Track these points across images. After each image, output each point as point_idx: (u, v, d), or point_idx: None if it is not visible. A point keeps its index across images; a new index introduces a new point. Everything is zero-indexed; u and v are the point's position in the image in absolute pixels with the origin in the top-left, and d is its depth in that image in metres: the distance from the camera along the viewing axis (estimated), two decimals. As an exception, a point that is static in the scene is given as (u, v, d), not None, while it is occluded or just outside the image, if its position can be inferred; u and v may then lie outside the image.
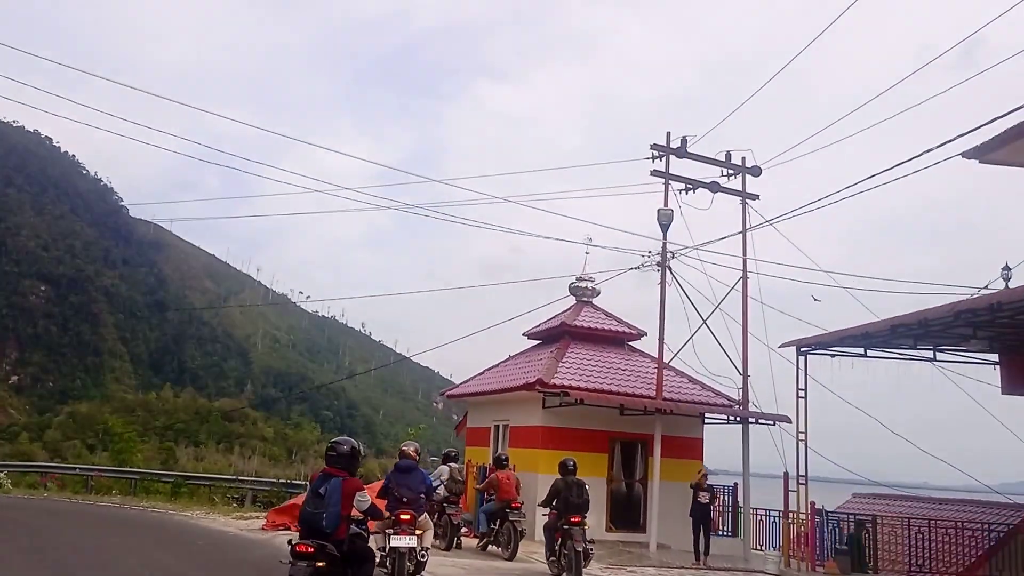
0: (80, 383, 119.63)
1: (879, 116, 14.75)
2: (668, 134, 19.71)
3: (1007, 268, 15.90)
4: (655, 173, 19.60)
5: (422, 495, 10.94)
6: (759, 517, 21.86)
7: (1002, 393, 17.62)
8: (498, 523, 15.75)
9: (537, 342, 23.62)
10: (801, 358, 17.37)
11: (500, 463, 16.04)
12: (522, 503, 16.07)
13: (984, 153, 11.66)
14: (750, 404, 19.94)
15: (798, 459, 17.21)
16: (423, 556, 11.09)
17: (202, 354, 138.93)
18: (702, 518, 16.99)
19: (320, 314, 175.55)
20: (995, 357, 17.62)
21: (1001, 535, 17.99)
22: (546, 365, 20.20)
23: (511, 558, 14.98)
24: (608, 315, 22.77)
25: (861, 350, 17.21)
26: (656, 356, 19.83)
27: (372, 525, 8.80)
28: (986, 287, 15.75)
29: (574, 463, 13.76)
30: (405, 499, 10.90)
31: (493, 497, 15.96)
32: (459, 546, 16.02)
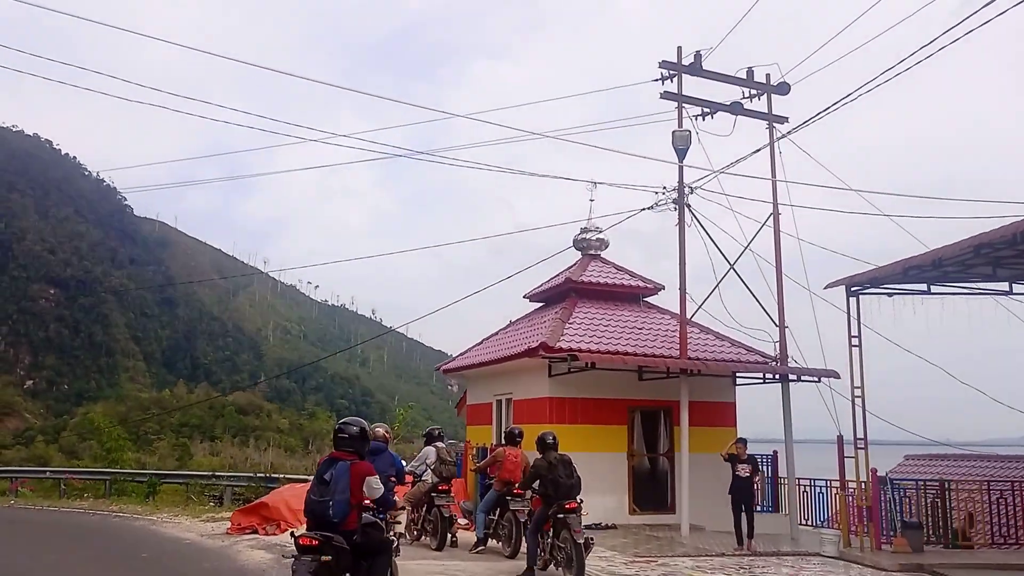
0: (95, 384, 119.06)
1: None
2: (679, 49, 16.83)
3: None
4: (666, 96, 16.72)
5: (392, 478, 9.67)
6: (803, 488, 19.20)
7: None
8: (497, 513, 13.05)
9: (540, 305, 20.88)
10: (852, 300, 14.52)
11: (512, 439, 13.15)
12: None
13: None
14: (790, 360, 17.17)
15: (854, 419, 14.42)
16: (393, 542, 8.86)
17: (214, 349, 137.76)
18: (744, 496, 14.27)
19: (330, 303, 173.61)
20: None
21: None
22: (550, 327, 17.48)
23: (514, 554, 12.24)
24: (620, 269, 19.99)
25: (924, 286, 14.36)
26: (677, 311, 17.06)
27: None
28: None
29: (554, 436, 11.14)
30: None
31: (493, 480, 13.21)
32: (455, 544, 13.35)
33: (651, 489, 17.88)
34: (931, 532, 14.91)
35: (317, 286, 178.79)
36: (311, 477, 8.17)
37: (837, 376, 16.57)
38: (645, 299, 19.81)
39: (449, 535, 13.27)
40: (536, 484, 10.75)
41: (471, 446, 18.29)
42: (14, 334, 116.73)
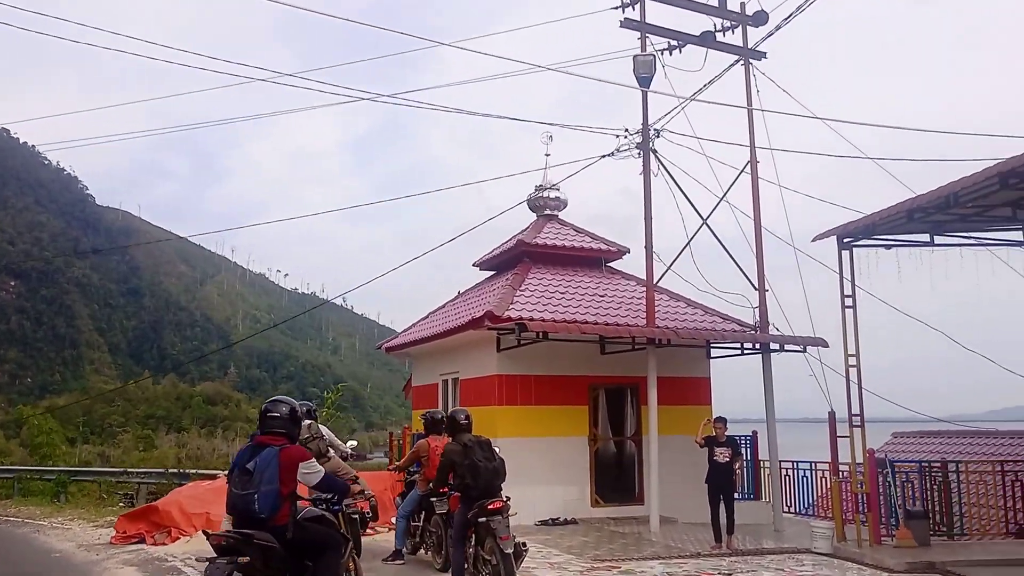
0: (59, 377, 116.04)
1: None
2: (641, -31, 14.58)
3: None
4: (627, 24, 14.48)
5: None
6: (786, 472, 17.20)
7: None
8: (422, 517, 10.78)
9: (492, 273, 18.64)
10: (845, 253, 12.40)
11: (436, 426, 10.76)
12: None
13: None
14: (772, 327, 15.09)
15: (848, 393, 12.33)
16: (348, 539, 7.20)
17: (182, 339, 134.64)
18: (723, 484, 12.16)
19: (300, 291, 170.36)
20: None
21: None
22: (499, 296, 15.26)
23: (446, 567, 9.89)
24: (579, 230, 17.77)
25: (927, 236, 12.26)
26: (645, 276, 14.89)
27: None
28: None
29: (467, 415, 8.92)
30: None
31: (416, 476, 10.95)
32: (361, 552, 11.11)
33: (617, 477, 15.80)
34: (937, 521, 12.90)
35: (287, 274, 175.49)
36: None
37: (825, 345, 14.53)
38: (609, 264, 17.63)
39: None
40: (452, 478, 8.52)
41: (409, 432, 16.08)
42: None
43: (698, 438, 12.28)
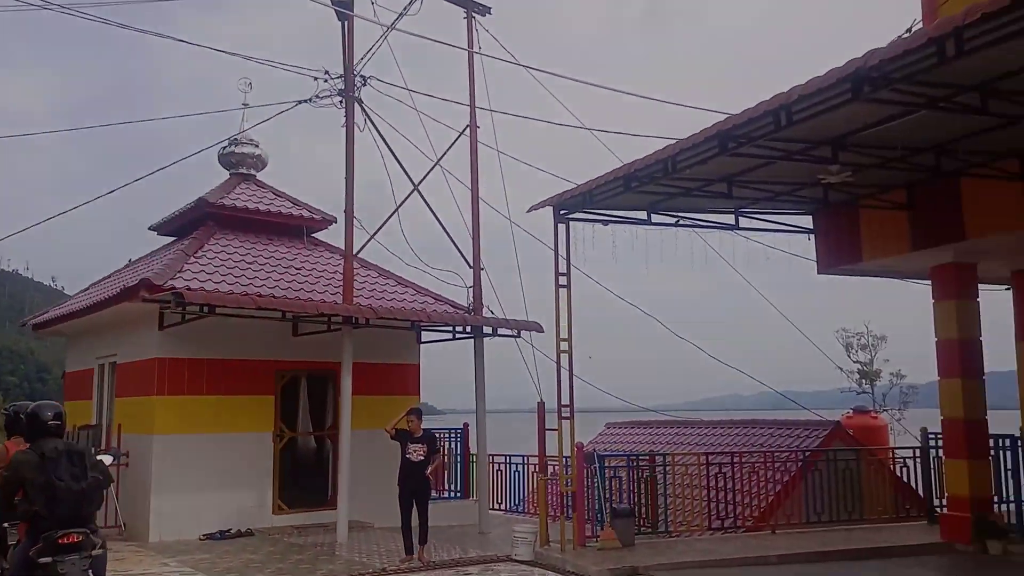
0: None
1: None
2: None
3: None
4: (331, -51, 12.37)
5: None
6: (498, 467, 16.11)
7: (818, 272, 12.81)
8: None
9: (172, 239, 15.72)
10: (561, 227, 11.22)
11: (18, 422, 7.88)
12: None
13: None
14: (486, 309, 13.76)
15: (559, 381, 11.15)
16: None
17: None
18: (416, 486, 10.46)
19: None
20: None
21: (802, 461, 13.38)
22: (166, 263, 12.55)
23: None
24: (280, 193, 15.40)
25: (644, 214, 11.40)
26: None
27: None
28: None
29: (57, 412, 6.26)
30: None
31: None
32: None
33: (310, 479, 13.69)
34: (644, 518, 12.17)
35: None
36: None
37: (540, 329, 13.43)
38: (313, 234, 15.41)
39: None
40: (19, 500, 5.99)
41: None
42: None
43: (389, 427, 10.52)
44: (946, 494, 11.97)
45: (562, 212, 11.19)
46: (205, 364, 12.41)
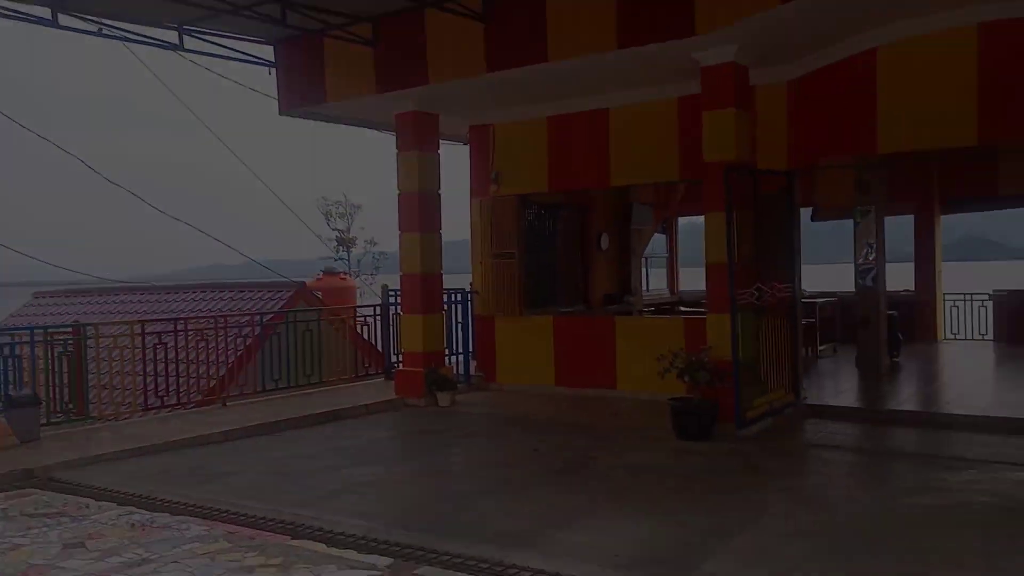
0: None
1: None
2: None
3: None
4: None
5: None
6: None
7: (280, 112, 11.36)
8: None
9: None
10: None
11: None
12: None
13: None
14: None
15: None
16: None
17: None
18: None
19: None
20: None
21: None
22: None
23: None
24: None
25: (45, 10, 8.47)
26: None
27: None
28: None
29: None
30: None
31: None
32: None
33: None
34: (66, 402, 9.81)
35: None
36: None
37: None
38: None
39: None
40: None
41: None
42: None
43: None
44: (402, 350, 11.84)
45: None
46: None
